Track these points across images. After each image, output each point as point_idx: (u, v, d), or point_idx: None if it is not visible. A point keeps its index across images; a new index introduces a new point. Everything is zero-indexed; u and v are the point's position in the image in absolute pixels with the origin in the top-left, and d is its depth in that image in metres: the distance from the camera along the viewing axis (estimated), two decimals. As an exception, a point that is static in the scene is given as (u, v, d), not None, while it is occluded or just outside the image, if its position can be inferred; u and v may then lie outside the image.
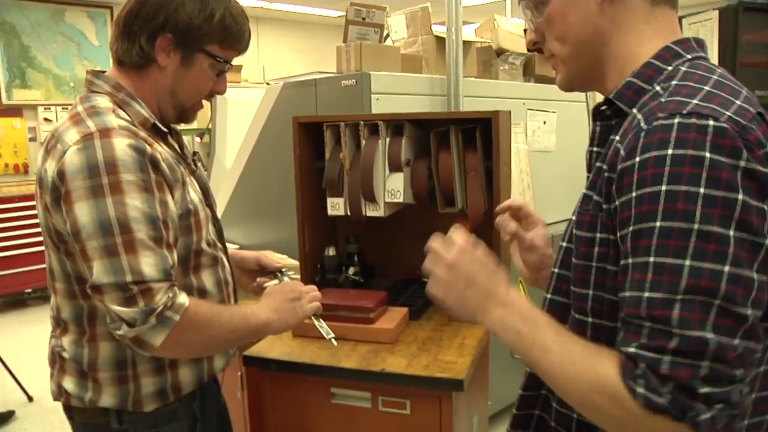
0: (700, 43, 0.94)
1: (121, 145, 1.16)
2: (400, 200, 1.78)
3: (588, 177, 0.95)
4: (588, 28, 0.94)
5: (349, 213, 1.84)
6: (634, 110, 0.87)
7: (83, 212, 1.14)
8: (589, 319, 0.91)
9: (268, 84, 2.87)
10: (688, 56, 0.90)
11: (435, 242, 0.99)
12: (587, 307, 0.91)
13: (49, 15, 7.38)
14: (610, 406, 0.79)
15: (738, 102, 0.80)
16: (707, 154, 0.75)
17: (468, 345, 1.63)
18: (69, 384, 1.28)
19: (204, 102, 1.41)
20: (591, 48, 0.95)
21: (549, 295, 1.00)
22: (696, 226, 0.74)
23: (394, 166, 1.77)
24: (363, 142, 1.79)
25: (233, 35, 1.31)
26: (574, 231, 0.93)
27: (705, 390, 0.73)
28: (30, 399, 3.67)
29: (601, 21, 0.93)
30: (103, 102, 1.25)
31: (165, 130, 1.33)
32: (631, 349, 0.77)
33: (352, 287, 1.93)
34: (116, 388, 1.27)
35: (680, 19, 1.77)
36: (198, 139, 6.61)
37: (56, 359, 1.32)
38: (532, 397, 1.03)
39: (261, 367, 1.65)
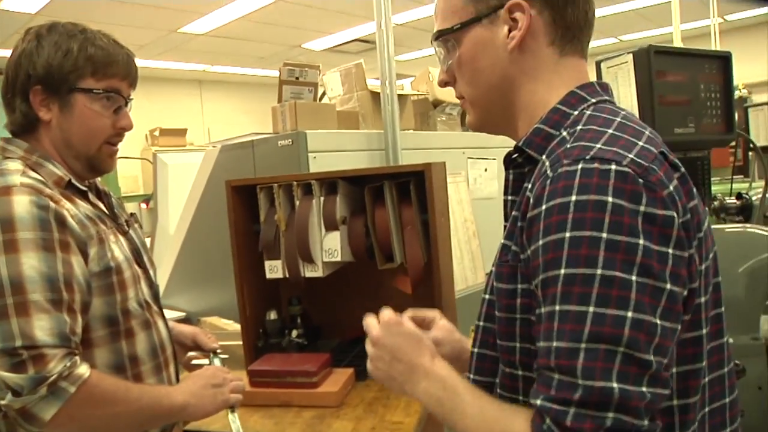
0: (604, 87, 0.96)
1: (22, 203, 1.11)
2: (338, 259, 1.76)
3: (505, 227, 0.95)
4: (497, 74, 0.95)
5: (287, 275, 1.80)
6: (543, 157, 0.88)
7: None
8: (520, 372, 0.89)
9: (213, 147, 2.85)
10: (593, 100, 0.92)
11: (365, 320, 1.02)
12: (516, 360, 0.89)
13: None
14: None
15: (640, 143, 0.81)
16: (609, 199, 0.75)
17: (415, 403, 1.60)
18: None
19: (116, 148, 1.35)
20: (500, 94, 0.97)
21: (476, 349, 0.98)
22: (599, 271, 0.74)
23: (330, 225, 1.75)
24: (297, 203, 1.78)
25: (101, 62, 1.25)
26: (494, 283, 0.92)
27: None
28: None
29: (510, 69, 0.95)
30: (14, 165, 1.21)
31: (83, 188, 1.28)
32: (539, 402, 0.76)
33: (297, 350, 1.88)
34: None
35: (598, 63, 1.84)
36: (144, 206, 6.52)
37: None
38: None
39: (203, 442, 1.58)
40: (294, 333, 1.90)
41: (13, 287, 1.07)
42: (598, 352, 0.73)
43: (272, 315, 1.91)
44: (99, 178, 1.42)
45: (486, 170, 3.33)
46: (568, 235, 0.76)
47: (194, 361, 1.57)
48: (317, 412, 1.58)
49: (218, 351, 1.56)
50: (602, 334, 0.73)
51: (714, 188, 3.20)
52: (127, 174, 8.17)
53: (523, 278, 0.86)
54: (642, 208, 0.75)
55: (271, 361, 1.74)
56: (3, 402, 1.06)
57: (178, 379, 1.44)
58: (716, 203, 3.16)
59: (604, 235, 0.74)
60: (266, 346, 1.90)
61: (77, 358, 1.10)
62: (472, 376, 1.00)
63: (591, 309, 0.74)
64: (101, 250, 1.22)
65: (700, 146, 1.85)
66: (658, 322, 0.74)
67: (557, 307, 0.76)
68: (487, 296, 0.97)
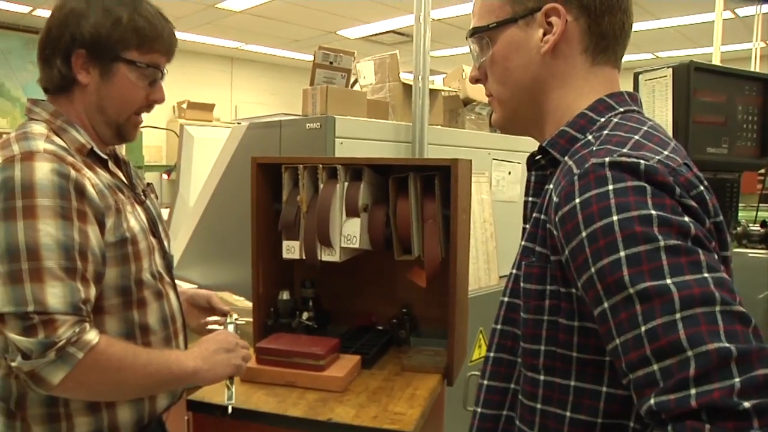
0: (633, 98, 0.96)
1: (43, 170, 1.11)
2: (357, 246, 1.76)
3: (525, 228, 0.95)
4: (528, 76, 0.95)
5: (304, 257, 1.80)
6: (566, 158, 0.87)
7: None
8: (541, 376, 0.88)
9: (239, 124, 2.86)
10: (621, 109, 0.92)
11: None
12: (539, 364, 0.88)
13: (22, 44, 7.36)
14: None
15: (666, 152, 0.81)
16: (647, 185, 0.75)
17: (419, 396, 1.60)
18: None
19: (142, 117, 1.36)
20: (529, 96, 0.97)
21: (492, 354, 0.97)
22: (662, 243, 0.71)
23: (352, 211, 1.75)
24: (321, 186, 1.78)
25: (148, 36, 1.26)
26: (522, 285, 0.90)
27: (748, 403, 0.62)
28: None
29: (541, 72, 0.95)
30: (38, 129, 1.21)
31: (104, 156, 1.29)
32: (653, 401, 0.68)
33: (306, 332, 1.88)
34: (46, 427, 1.19)
35: (636, 75, 1.82)
36: (165, 176, 6.55)
37: None
38: None
39: (205, 413, 1.59)
40: (305, 315, 1.90)
41: (29, 253, 1.08)
42: (696, 317, 0.67)
43: (285, 295, 1.92)
44: (122, 146, 1.43)
45: (510, 173, 3.31)
46: (615, 218, 0.73)
47: (210, 326, 1.58)
48: (321, 396, 1.58)
49: (233, 314, 1.58)
50: (694, 298, 0.68)
51: (739, 214, 3.16)
52: (152, 144, 8.23)
53: (552, 279, 0.85)
54: (677, 197, 0.75)
55: (280, 340, 1.75)
56: (14, 364, 1.08)
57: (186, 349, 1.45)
58: (739, 229, 3.13)
59: (653, 212, 0.73)
60: (276, 326, 1.91)
61: (87, 324, 1.12)
62: (486, 381, 0.99)
63: (669, 280, 0.69)
64: (118, 220, 1.23)
65: (732, 168, 1.82)
66: (729, 280, 0.71)
67: (631, 290, 0.71)
68: (506, 299, 0.96)
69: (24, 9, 6.87)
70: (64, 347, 1.07)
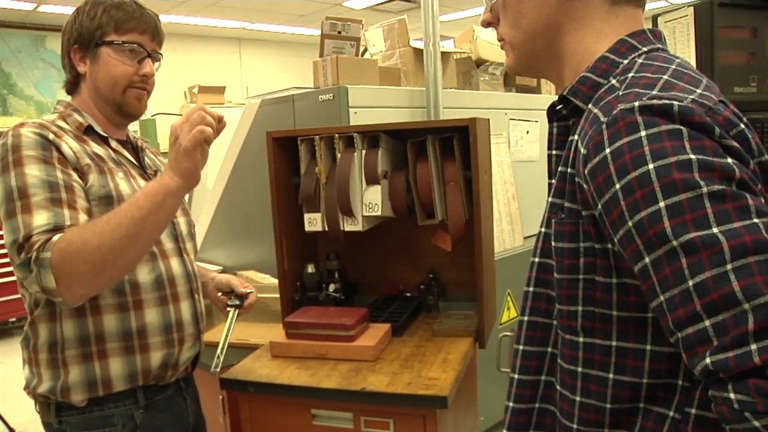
0: (657, 35, 0.90)
1: (27, 132, 1.30)
2: (379, 213, 1.74)
3: (551, 184, 0.90)
4: (543, 19, 0.90)
5: (326, 228, 1.79)
6: (590, 105, 0.82)
7: None
8: (581, 339, 0.83)
9: (251, 102, 2.84)
10: (644, 48, 0.86)
11: None
12: (577, 326, 0.83)
13: (30, 41, 7.36)
14: None
15: (699, 90, 0.75)
16: (683, 127, 0.69)
17: (452, 360, 1.58)
18: (26, 371, 1.38)
19: (142, 91, 1.46)
20: (544, 40, 0.91)
21: (526, 318, 0.94)
22: (704, 189, 0.65)
23: (371, 179, 1.72)
24: (338, 156, 1.75)
25: (121, 19, 1.42)
26: (553, 244, 0.85)
27: None
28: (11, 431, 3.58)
29: (556, 14, 0.89)
30: (49, 117, 1.42)
31: (104, 134, 1.44)
32: (708, 361, 0.64)
33: (333, 305, 1.88)
34: (50, 372, 1.33)
35: (655, 17, 1.76)
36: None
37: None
38: (525, 411, 0.96)
39: (239, 390, 1.59)
40: (331, 287, 1.89)
41: (20, 193, 1.24)
42: (749, 266, 0.62)
43: (310, 268, 1.91)
44: (137, 132, 1.48)
45: (528, 132, 3.26)
46: (651, 166, 0.68)
47: (228, 303, 1.66)
48: (353, 366, 1.58)
49: (248, 294, 1.67)
50: (746, 246, 0.62)
51: None
52: (166, 131, 8.21)
53: (586, 236, 0.80)
54: (717, 138, 0.69)
55: (308, 313, 1.74)
56: (31, 290, 1.22)
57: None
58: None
59: (693, 156, 0.67)
60: (303, 300, 1.90)
61: (56, 233, 1.20)
62: (521, 347, 0.95)
63: (716, 229, 0.64)
64: (102, 179, 1.34)
65: (762, 107, 1.75)
66: None
67: (675, 243, 0.66)
68: (536, 260, 0.91)
69: (29, 6, 6.86)
70: (38, 256, 1.17)
